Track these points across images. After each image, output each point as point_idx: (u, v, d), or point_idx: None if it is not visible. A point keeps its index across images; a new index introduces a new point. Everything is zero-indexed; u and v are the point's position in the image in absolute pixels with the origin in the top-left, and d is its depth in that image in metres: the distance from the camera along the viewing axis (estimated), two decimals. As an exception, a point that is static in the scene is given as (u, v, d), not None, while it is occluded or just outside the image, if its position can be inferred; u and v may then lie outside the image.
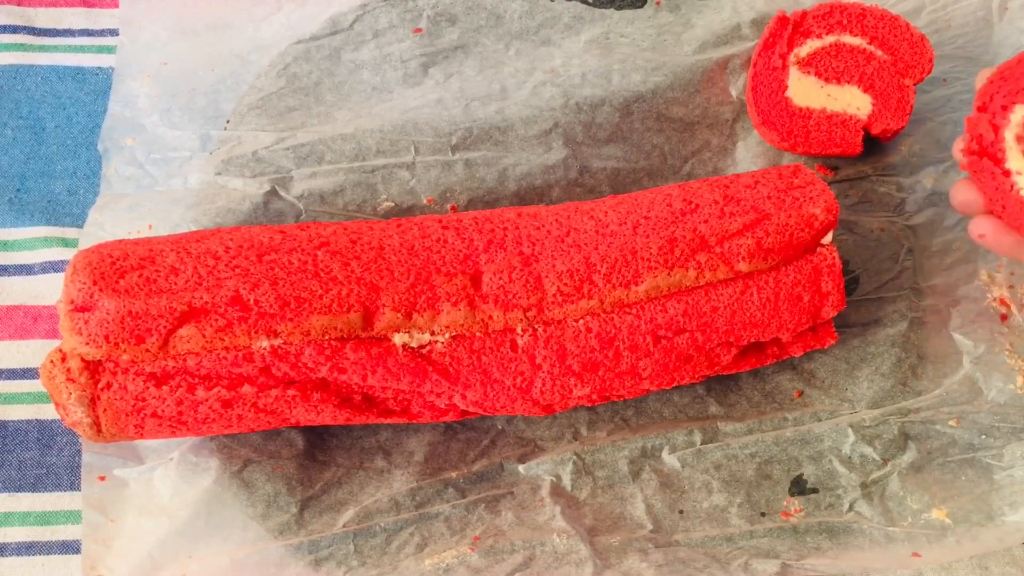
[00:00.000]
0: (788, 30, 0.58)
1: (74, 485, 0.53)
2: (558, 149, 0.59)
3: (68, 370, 0.45)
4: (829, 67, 0.58)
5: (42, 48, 0.65)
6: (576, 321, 0.48)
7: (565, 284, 0.47)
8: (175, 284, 0.46)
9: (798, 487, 0.51)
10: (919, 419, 0.52)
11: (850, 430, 0.52)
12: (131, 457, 0.51)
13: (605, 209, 0.50)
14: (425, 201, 0.57)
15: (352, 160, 0.58)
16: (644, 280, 0.48)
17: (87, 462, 0.51)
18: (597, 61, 0.61)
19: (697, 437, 0.52)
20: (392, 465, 0.52)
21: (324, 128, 0.59)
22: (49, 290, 0.58)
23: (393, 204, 0.57)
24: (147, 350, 0.45)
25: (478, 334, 0.47)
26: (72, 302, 0.45)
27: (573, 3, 0.63)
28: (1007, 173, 0.46)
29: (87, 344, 0.45)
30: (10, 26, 0.65)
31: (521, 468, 0.52)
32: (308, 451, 0.52)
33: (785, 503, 0.51)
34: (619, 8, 0.63)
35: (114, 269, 0.46)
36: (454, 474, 0.52)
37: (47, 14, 0.66)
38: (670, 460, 0.52)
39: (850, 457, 0.51)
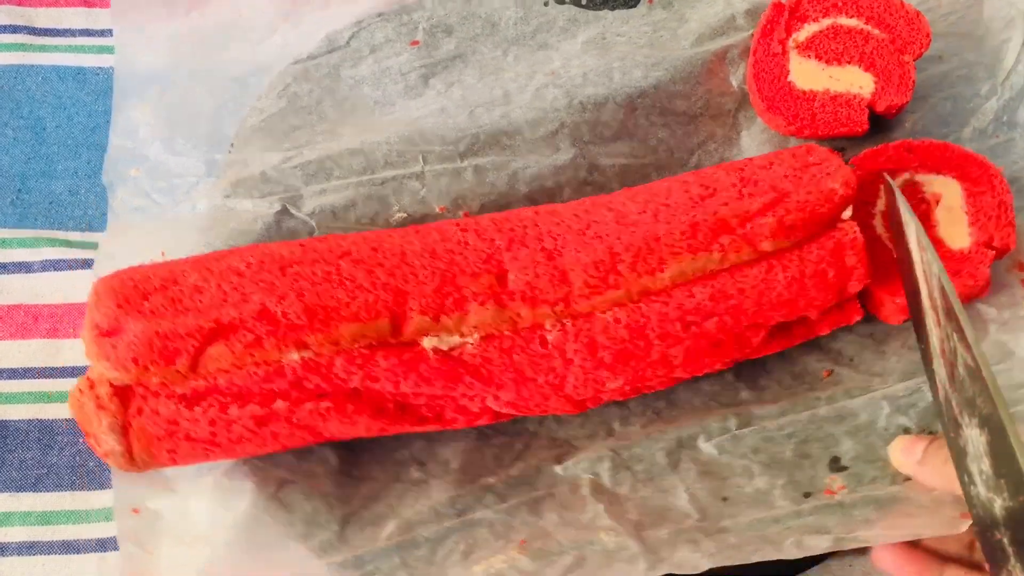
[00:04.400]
0: (785, 16, 0.58)
1: (75, 485, 0.53)
2: (566, 149, 0.58)
3: (98, 397, 0.44)
4: (829, 49, 0.58)
5: (42, 48, 0.65)
6: (604, 313, 0.48)
7: (591, 276, 0.47)
8: (200, 302, 0.45)
9: (837, 464, 0.51)
10: None
11: (884, 402, 0.52)
12: (162, 487, 0.50)
13: (623, 200, 0.50)
14: (437, 210, 0.57)
15: (361, 174, 0.57)
16: (669, 266, 0.47)
17: (119, 496, 0.50)
18: (596, 60, 0.61)
19: (732, 423, 0.52)
20: (428, 475, 0.51)
21: (330, 144, 0.58)
22: (49, 289, 0.58)
23: (406, 215, 0.57)
24: (177, 371, 0.44)
25: (507, 333, 0.47)
26: (97, 327, 0.44)
27: (567, 6, 0.64)
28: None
29: (116, 369, 0.44)
30: (10, 26, 0.65)
31: (558, 469, 0.51)
32: (343, 467, 0.51)
33: (827, 480, 0.50)
34: (613, 8, 0.64)
35: (137, 292, 0.45)
36: (492, 479, 0.51)
37: (47, 14, 0.66)
38: (707, 448, 0.52)
39: (887, 429, 0.51)
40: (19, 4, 0.66)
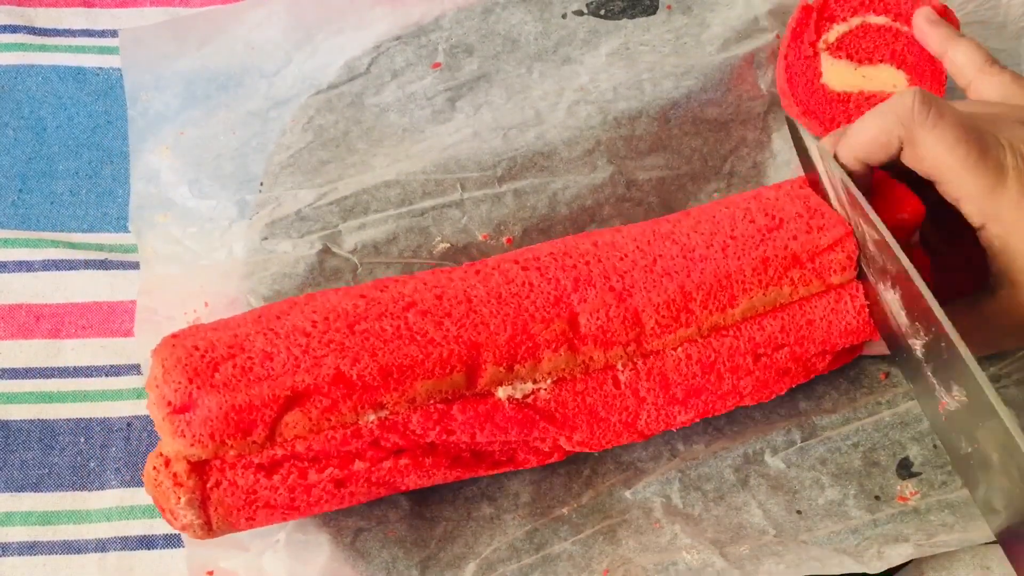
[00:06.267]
0: (813, 18, 0.58)
1: (76, 485, 0.53)
2: (603, 167, 0.58)
3: (175, 475, 0.43)
4: (859, 48, 0.58)
5: (42, 48, 0.64)
6: (675, 350, 0.47)
7: (663, 316, 0.47)
8: (272, 370, 0.44)
9: (908, 470, 0.51)
10: (1013, 381, 0.53)
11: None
12: (233, 547, 0.50)
13: (686, 231, 0.50)
14: (480, 238, 0.56)
15: (399, 205, 0.56)
16: (740, 303, 0.47)
17: (191, 559, 0.49)
18: (624, 73, 0.60)
19: (796, 435, 0.52)
20: (500, 510, 0.51)
21: (364, 177, 0.57)
22: (51, 289, 0.57)
23: (449, 245, 0.56)
24: (254, 441, 0.43)
25: (579, 376, 0.47)
26: (170, 404, 0.43)
27: (586, 17, 0.63)
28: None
29: (193, 445, 0.43)
30: (10, 26, 0.64)
31: (628, 494, 0.51)
32: (414, 510, 0.51)
33: (899, 488, 0.51)
34: (632, 17, 0.63)
35: (206, 363, 0.44)
36: (565, 510, 0.51)
37: (47, 14, 0.65)
38: (774, 462, 0.52)
39: None
40: (19, 4, 0.66)
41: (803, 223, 0.49)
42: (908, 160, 0.48)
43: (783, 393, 0.50)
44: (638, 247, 0.49)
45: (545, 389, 0.46)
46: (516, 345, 0.45)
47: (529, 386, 0.46)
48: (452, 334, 0.45)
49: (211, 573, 0.49)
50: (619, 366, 0.47)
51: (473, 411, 0.45)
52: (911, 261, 0.48)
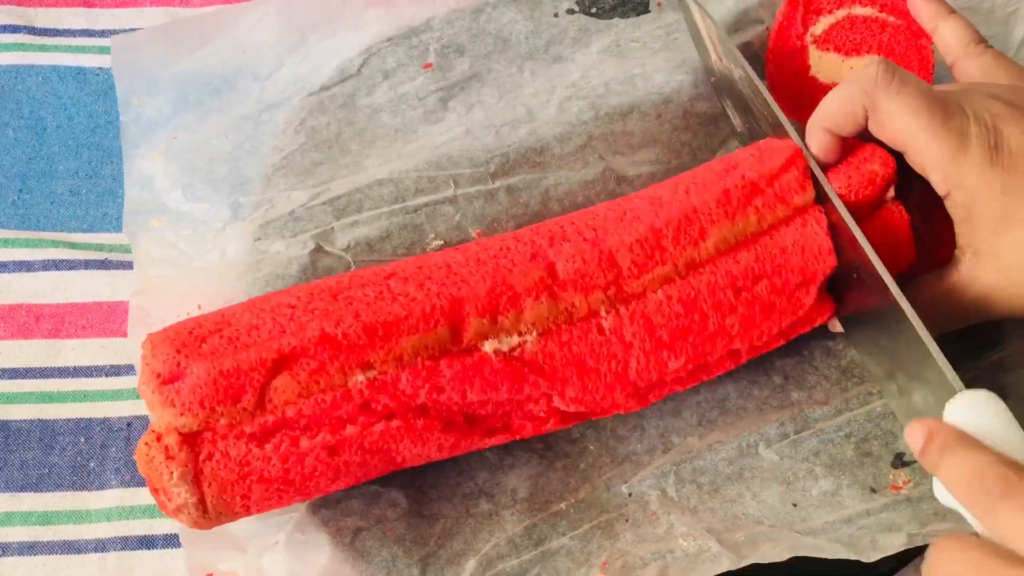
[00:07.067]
0: (800, 11, 0.59)
1: (75, 485, 0.53)
2: (594, 163, 0.58)
3: (166, 448, 0.43)
4: (846, 40, 0.59)
5: (42, 48, 0.65)
6: (655, 292, 0.48)
7: (637, 255, 0.48)
8: (259, 337, 0.44)
9: (900, 459, 0.51)
10: (1006, 365, 0.53)
11: None
12: (231, 548, 0.49)
13: (652, 188, 0.51)
14: (474, 234, 0.56)
15: (392, 203, 0.56)
16: (710, 234, 0.48)
17: (190, 561, 0.49)
18: (615, 69, 0.61)
19: (789, 428, 0.52)
20: (498, 507, 0.51)
21: (357, 177, 0.58)
22: (51, 289, 0.57)
23: (443, 242, 0.56)
24: (244, 408, 0.43)
25: (564, 325, 0.47)
26: (159, 376, 0.43)
27: (576, 16, 0.63)
28: None
29: (183, 414, 0.43)
30: (10, 26, 0.65)
31: (624, 488, 0.51)
32: (413, 508, 0.50)
33: (891, 476, 0.51)
34: (623, 15, 0.63)
35: (193, 337, 0.44)
36: (563, 505, 0.51)
37: (47, 14, 0.66)
38: (768, 455, 0.51)
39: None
40: (19, 4, 0.66)
41: (755, 159, 0.50)
42: (873, 129, 0.48)
43: (776, 341, 0.51)
44: (608, 208, 0.51)
45: (531, 341, 0.46)
46: (497, 296, 0.46)
47: (515, 339, 0.46)
48: (433, 292, 0.46)
49: (211, 575, 0.49)
50: (602, 312, 0.47)
51: (461, 365, 0.45)
52: (886, 220, 0.50)
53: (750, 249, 0.49)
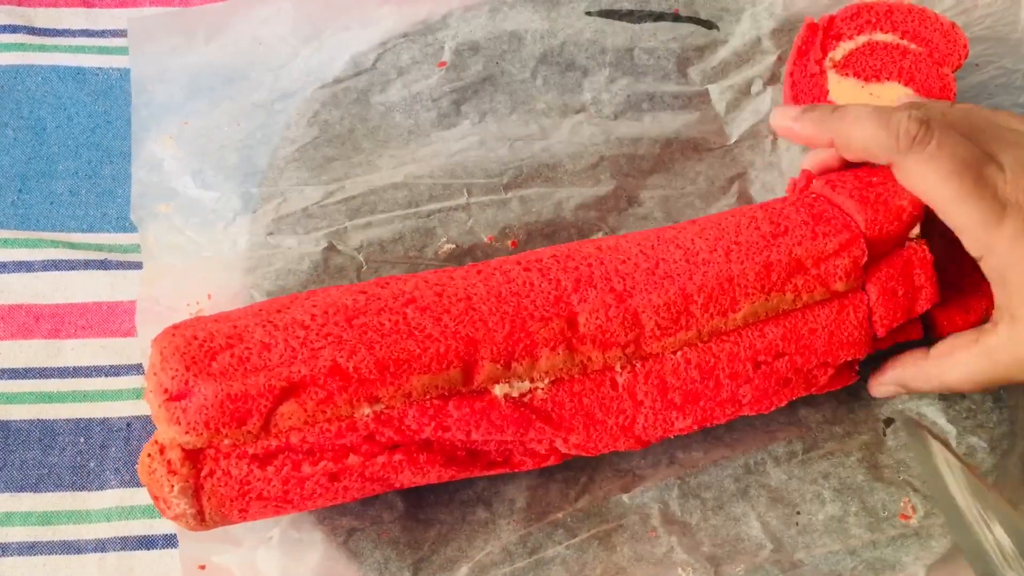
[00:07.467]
0: (819, 36, 0.58)
1: (75, 485, 0.53)
2: (606, 181, 0.58)
3: (168, 462, 0.43)
4: (866, 66, 0.58)
5: (42, 48, 0.64)
6: (674, 353, 0.47)
7: (663, 318, 0.46)
8: (269, 360, 0.44)
9: (911, 486, 0.51)
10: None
11: (952, 426, 0.52)
12: (226, 541, 0.49)
13: (691, 237, 0.49)
14: (486, 240, 0.56)
15: (406, 207, 0.57)
16: (742, 307, 0.47)
17: (184, 552, 0.49)
18: (625, 94, 0.61)
19: (798, 446, 0.52)
20: (495, 515, 0.51)
21: (370, 178, 0.57)
22: (51, 289, 0.57)
23: (454, 246, 0.56)
24: (249, 431, 0.43)
25: (577, 376, 0.46)
26: (166, 391, 0.43)
27: (593, 18, 0.63)
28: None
29: (187, 433, 0.42)
30: (10, 26, 0.64)
31: (626, 499, 0.51)
32: (409, 511, 0.50)
33: (902, 504, 0.51)
34: (638, 21, 0.63)
35: (204, 352, 0.44)
36: (560, 514, 0.51)
37: (47, 14, 0.65)
38: (776, 473, 0.52)
39: (958, 446, 0.51)
40: (19, 4, 0.65)
41: (808, 229, 0.49)
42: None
43: (783, 404, 0.50)
44: (641, 251, 0.49)
45: (542, 389, 0.46)
46: (514, 343, 0.45)
47: (526, 385, 0.46)
48: (450, 330, 0.45)
49: (203, 567, 0.49)
50: (617, 368, 0.47)
51: (469, 408, 0.45)
52: (911, 256, 0.49)
53: (779, 325, 0.48)
